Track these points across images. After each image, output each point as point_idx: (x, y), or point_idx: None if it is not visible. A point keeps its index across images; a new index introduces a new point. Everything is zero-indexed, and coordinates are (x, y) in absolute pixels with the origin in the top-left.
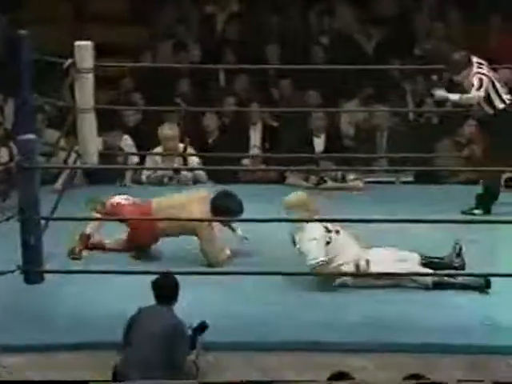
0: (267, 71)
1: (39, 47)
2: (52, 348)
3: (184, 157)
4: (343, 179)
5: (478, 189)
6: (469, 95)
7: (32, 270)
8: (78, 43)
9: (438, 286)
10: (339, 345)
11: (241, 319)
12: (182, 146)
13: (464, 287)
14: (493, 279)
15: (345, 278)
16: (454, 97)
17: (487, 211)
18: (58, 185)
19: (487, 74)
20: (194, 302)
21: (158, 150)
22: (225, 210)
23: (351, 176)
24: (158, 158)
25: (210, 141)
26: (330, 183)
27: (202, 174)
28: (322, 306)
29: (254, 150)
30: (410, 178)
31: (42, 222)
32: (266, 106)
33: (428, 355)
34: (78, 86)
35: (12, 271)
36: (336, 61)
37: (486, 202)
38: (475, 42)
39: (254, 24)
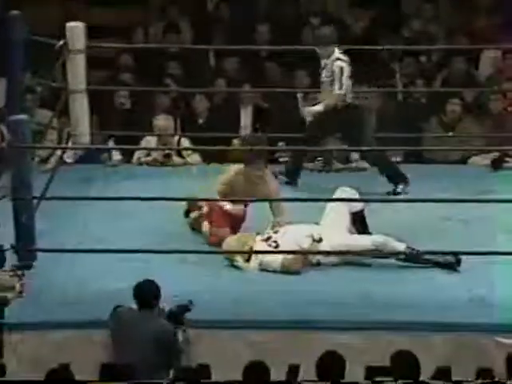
0: (258, 52)
1: (31, 28)
2: (45, 326)
3: (178, 146)
4: (348, 160)
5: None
6: (330, 101)
7: (24, 248)
8: (69, 24)
9: (410, 259)
10: (327, 322)
11: (228, 296)
12: (176, 138)
13: (436, 264)
14: (479, 261)
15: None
16: (320, 107)
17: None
18: (50, 165)
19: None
20: (181, 279)
21: (151, 139)
22: None
23: (355, 156)
24: (151, 143)
25: (200, 122)
26: (335, 165)
27: (195, 157)
28: (309, 283)
29: (245, 131)
30: (399, 158)
31: (34, 201)
32: (256, 88)
33: (416, 333)
34: (70, 67)
35: (4, 250)
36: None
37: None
38: (464, 24)
39: (244, 5)
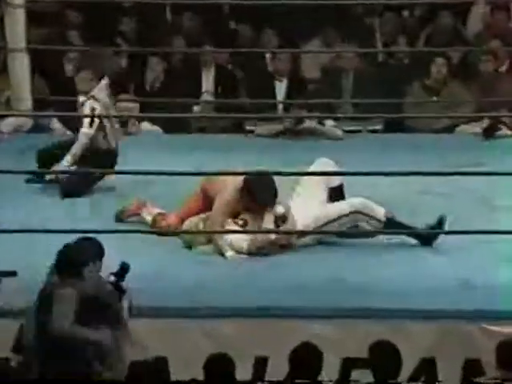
0: (221, 7)
1: None
2: None
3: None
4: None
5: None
6: None
7: None
8: None
9: (391, 224)
10: (298, 310)
11: (185, 281)
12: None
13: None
14: (465, 240)
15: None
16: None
17: None
18: None
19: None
20: (134, 263)
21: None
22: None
23: (329, 123)
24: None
25: (156, 86)
26: (308, 123)
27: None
28: (279, 266)
29: (206, 96)
30: (379, 127)
31: None
32: (219, 47)
33: (396, 321)
34: (9, 23)
35: None
36: None
37: None
38: None
39: None
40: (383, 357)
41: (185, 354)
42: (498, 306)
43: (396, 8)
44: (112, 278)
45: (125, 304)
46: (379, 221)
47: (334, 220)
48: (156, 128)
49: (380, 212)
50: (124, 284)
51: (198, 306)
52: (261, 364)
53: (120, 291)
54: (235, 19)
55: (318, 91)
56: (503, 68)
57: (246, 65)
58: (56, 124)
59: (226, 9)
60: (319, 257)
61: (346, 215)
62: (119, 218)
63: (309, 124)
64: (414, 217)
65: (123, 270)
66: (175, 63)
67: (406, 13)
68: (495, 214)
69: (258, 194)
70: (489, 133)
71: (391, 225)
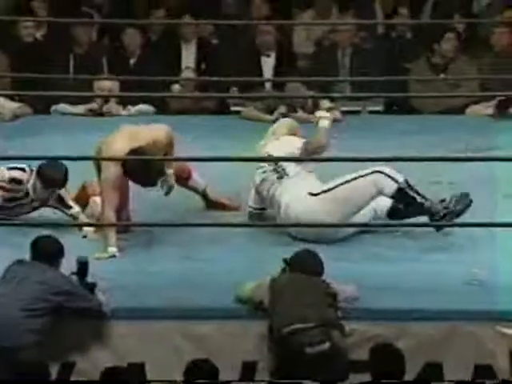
0: None
1: None
2: None
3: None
4: (315, 108)
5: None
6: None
7: None
8: None
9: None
10: None
11: (163, 281)
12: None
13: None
14: (478, 233)
15: None
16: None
17: None
18: None
19: None
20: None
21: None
22: None
23: (325, 104)
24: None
25: (132, 62)
26: (300, 114)
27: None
28: (265, 263)
29: (187, 73)
30: (379, 108)
31: None
32: (202, 19)
33: (400, 323)
34: None
35: None
36: None
37: None
38: None
39: None
40: (384, 360)
41: (164, 358)
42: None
43: None
44: (74, 278)
45: (100, 296)
46: (398, 183)
47: (355, 179)
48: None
49: (399, 176)
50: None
51: (178, 307)
52: (249, 370)
53: (90, 286)
54: None
55: (311, 68)
56: None
57: (232, 38)
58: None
59: None
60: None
61: (367, 174)
62: None
63: (301, 115)
64: None
65: (83, 264)
66: (153, 36)
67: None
68: (509, 202)
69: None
70: (502, 109)
71: (409, 191)
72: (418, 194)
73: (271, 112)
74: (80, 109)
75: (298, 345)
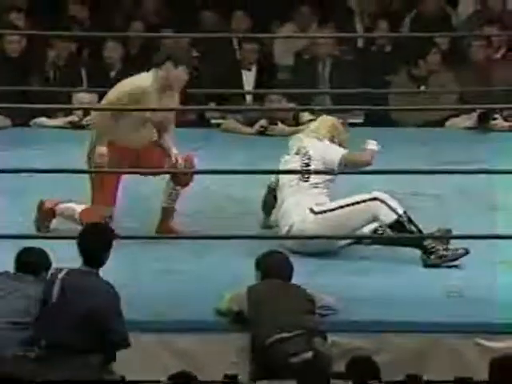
0: None
1: None
2: None
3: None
4: (295, 120)
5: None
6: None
7: None
8: None
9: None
10: None
11: (143, 294)
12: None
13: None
14: (461, 245)
15: None
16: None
17: None
18: None
19: None
20: None
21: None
22: None
23: (305, 117)
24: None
25: (113, 74)
26: (280, 126)
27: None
28: (247, 276)
29: None
30: (359, 120)
31: None
32: (182, 32)
33: (380, 335)
34: None
35: None
36: None
37: None
38: None
39: None
40: (361, 373)
41: (145, 371)
42: (493, 318)
43: None
44: None
45: None
46: (397, 214)
47: (352, 205)
48: None
49: (399, 207)
50: None
51: (158, 319)
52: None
53: None
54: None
55: (291, 80)
56: (498, 55)
57: (212, 52)
58: None
59: None
60: (301, 263)
61: (365, 200)
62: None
63: (281, 128)
64: None
65: None
66: (133, 50)
67: None
68: (493, 216)
69: None
70: (482, 122)
71: (407, 225)
72: (417, 227)
73: (251, 125)
74: (59, 121)
75: (282, 355)
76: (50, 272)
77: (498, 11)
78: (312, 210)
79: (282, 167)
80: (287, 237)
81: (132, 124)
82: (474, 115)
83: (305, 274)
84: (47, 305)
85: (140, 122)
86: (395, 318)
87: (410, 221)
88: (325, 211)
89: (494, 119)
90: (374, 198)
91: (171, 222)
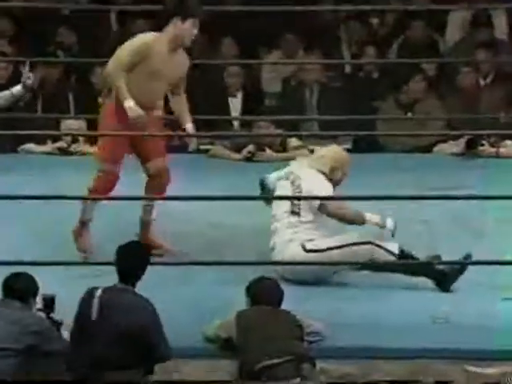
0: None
1: None
2: None
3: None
4: (282, 146)
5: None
6: None
7: None
8: None
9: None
10: None
11: None
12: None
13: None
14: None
15: None
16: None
17: None
18: None
19: None
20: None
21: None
22: None
23: (293, 143)
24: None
25: (101, 100)
26: (268, 153)
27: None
28: (238, 304)
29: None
30: (347, 146)
31: None
32: None
33: (369, 361)
34: None
35: None
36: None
37: None
38: None
39: None
40: None
41: None
42: (482, 344)
43: (364, 15)
44: (42, 314)
45: (65, 335)
46: (394, 255)
47: (346, 246)
48: None
49: (395, 247)
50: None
51: None
52: None
53: (56, 323)
54: None
55: (278, 106)
56: (487, 80)
57: (198, 78)
58: None
59: None
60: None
61: (359, 244)
62: None
63: (269, 154)
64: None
65: (49, 301)
66: None
67: (375, 21)
68: (481, 242)
69: None
70: (470, 148)
71: (406, 259)
72: (415, 258)
73: (239, 150)
74: (48, 147)
75: (271, 381)
76: (85, 292)
77: (485, 38)
78: (303, 247)
79: (277, 191)
80: (278, 262)
81: (142, 76)
82: (462, 141)
83: (294, 299)
84: (87, 323)
85: (150, 75)
86: (383, 344)
87: (408, 256)
88: (316, 250)
89: (482, 145)
90: (369, 242)
91: (150, 234)
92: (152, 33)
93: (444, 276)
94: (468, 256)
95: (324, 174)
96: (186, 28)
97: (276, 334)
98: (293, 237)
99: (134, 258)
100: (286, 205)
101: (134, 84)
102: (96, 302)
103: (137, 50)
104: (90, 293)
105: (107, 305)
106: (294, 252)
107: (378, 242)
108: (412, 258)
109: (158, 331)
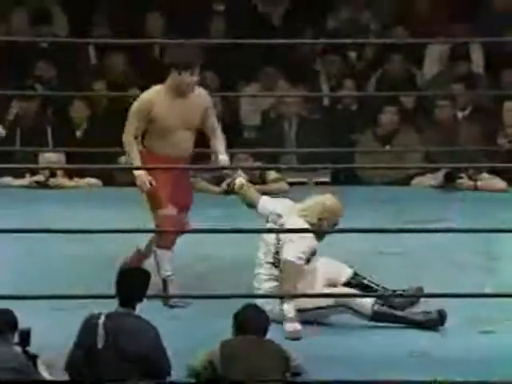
0: (151, 47)
1: None
2: None
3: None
4: (262, 179)
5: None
6: None
7: None
8: None
9: (379, 316)
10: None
11: None
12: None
13: (413, 322)
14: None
15: None
16: None
17: None
18: None
19: None
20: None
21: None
22: None
23: (272, 175)
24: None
25: (78, 134)
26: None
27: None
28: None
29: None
30: (326, 178)
31: None
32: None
33: None
34: None
35: None
36: (235, 34)
37: None
38: (399, 11)
39: None
40: None
41: None
42: (459, 377)
43: (343, 49)
44: (18, 349)
45: (42, 369)
46: (366, 316)
47: (325, 308)
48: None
49: (368, 304)
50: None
51: None
52: None
53: (32, 357)
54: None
55: (257, 139)
56: (465, 113)
57: None
58: None
59: (157, 46)
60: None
61: (336, 307)
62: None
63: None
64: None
65: (25, 335)
66: (99, 109)
67: (353, 54)
68: (460, 274)
69: None
70: (449, 181)
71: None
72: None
73: (218, 183)
74: (25, 181)
75: None
76: (85, 319)
77: (462, 72)
78: (281, 308)
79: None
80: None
81: (158, 130)
82: (440, 174)
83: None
84: (93, 351)
85: (164, 127)
86: (362, 378)
87: (359, 282)
88: (297, 310)
89: (460, 178)
90: (343, 305)
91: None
92: (153, 87)
93: (419, 324)
94: (420, 289)
95: (311, 224)
96: (183, 79)
97: (259, 365)
98: (272, 291)
99: (135, 281)
100: (269, 255)
101: (155, 139)
102: (101, 329)
103: (139, 109)
104: (92, 320)
105: (112, 331)
106: (274, 305)
107: (351, 305)
108: (363, 285)
109: (164, 354)
